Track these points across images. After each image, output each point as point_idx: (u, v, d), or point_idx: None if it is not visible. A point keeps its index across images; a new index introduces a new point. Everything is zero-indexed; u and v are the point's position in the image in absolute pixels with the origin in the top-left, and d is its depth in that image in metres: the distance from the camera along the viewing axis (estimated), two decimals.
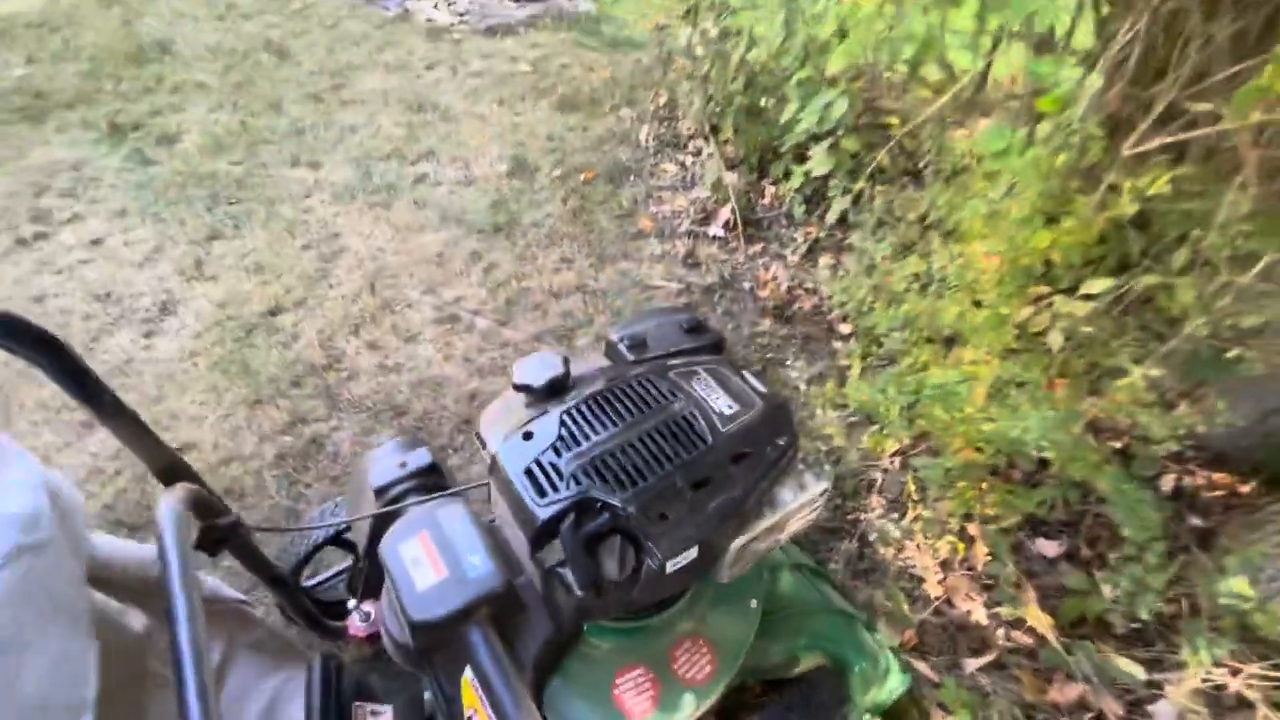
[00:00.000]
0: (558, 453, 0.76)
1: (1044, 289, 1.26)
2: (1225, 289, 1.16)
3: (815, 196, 2.49)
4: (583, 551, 0.71)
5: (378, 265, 2.08)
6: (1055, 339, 1.13)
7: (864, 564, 1.50)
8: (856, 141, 2.24)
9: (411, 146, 2.72)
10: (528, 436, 0.79)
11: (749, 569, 0.94)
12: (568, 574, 0.72)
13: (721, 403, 0.83)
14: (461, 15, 4.23)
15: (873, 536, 1.54)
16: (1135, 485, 1.12)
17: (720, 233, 2.45)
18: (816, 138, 2.40)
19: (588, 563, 0.71)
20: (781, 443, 0.85)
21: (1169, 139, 1.29)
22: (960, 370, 1.11)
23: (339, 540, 1.13)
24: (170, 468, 0.70)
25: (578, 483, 0.74)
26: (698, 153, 2.96)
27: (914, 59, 1.59)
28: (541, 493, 0.73)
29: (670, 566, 0.73)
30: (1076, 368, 1.36)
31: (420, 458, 0.98)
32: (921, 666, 1.32)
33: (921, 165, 1.63)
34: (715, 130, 2.84)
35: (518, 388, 0.86)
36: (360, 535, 1.00)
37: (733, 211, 2.45)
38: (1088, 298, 1.11)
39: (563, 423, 0.79)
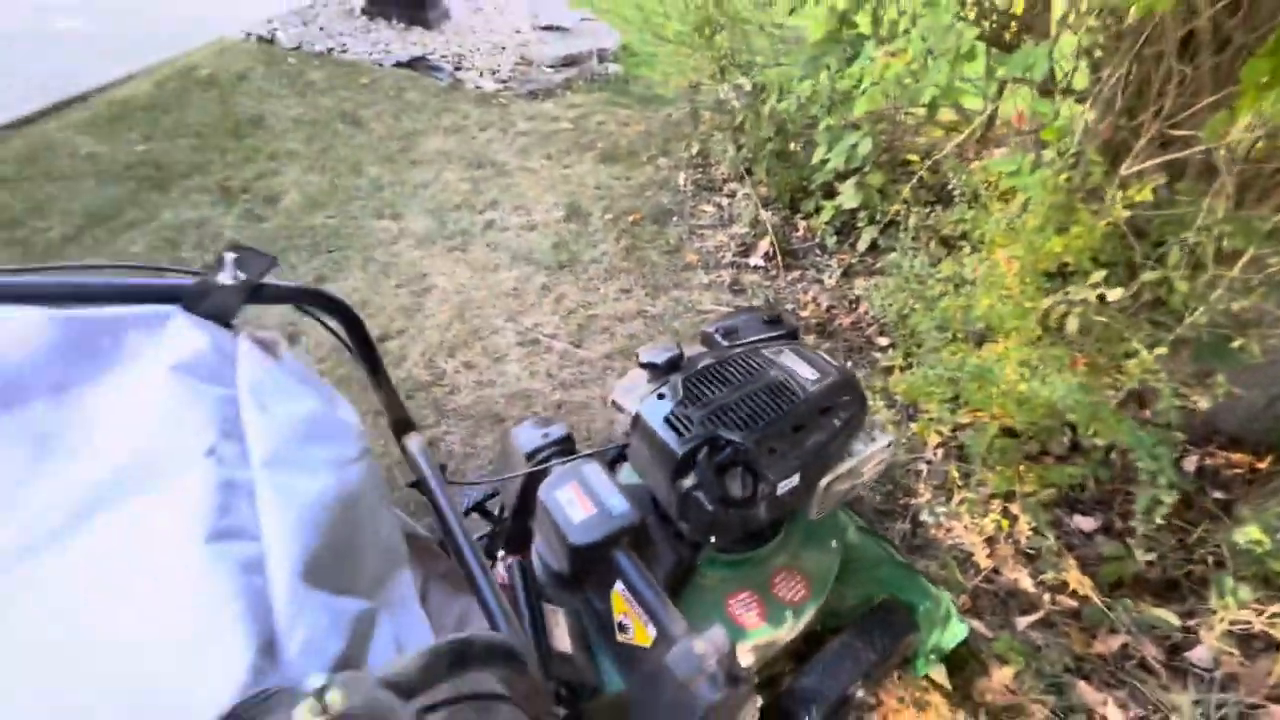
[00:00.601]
0: (686, 406, 0.99)
1: (1061, 291, 1.48)
2: (1216, 282, 1.37)
3: (845, 228, 2.75)
4: (714, 476, 0.92)
5: (463, 299, 2.36)
6: (1072, 324, 1.34)
7: (917, 540, 1.67)
8: (881, 176, 2.51)
9: (477, 198, 3.05)
10: (661, 397, 1.02)
11: (830, 512, 1.15)
12: (702, 495, 0.94)
13: (806, 371, 1.06)
14: (505, 82, 4.66)
15: (923, 517, 1.71)
16: (1150, 434, 1.29)
17: (760, 263, 2.70)
18: (842, 175, 2.68)
19: (718, 485, 0.92)
20: (854, 403, 1.07)
21: (1161, 159, 1.52)
22: (993, 352, 1.31)
23: (480, 509, 1.35)
24: (405, 420, 0.94)
25: (705, 427, 0.96)
26: (732, 194, 3.25)
27: (932, 103, 1.85)
28: (679, 435, 0.96)
29: (780, 489, 0.95)
30: (1097, 360, 1.56)
31: (558, 430, 1.21)
32: (977, 624, 1.48)
33: (945, 191, 1.87)
34: (749, 173, 3.14)
35: (643, 365, 1.10)
36: (509, 496, 1.22)
37: (771, 244, 2.71)
38: (1095, 286, 1.32)
39: (687, 386, 1.02)
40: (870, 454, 1.06)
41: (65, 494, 0.51)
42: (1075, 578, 1.54)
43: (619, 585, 1.00)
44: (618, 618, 1.00)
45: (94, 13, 4.56)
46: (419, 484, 0.90)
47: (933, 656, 1.29)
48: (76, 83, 3.48)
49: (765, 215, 2.85)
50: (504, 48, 5.08)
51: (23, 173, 2.74)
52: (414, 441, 0.91)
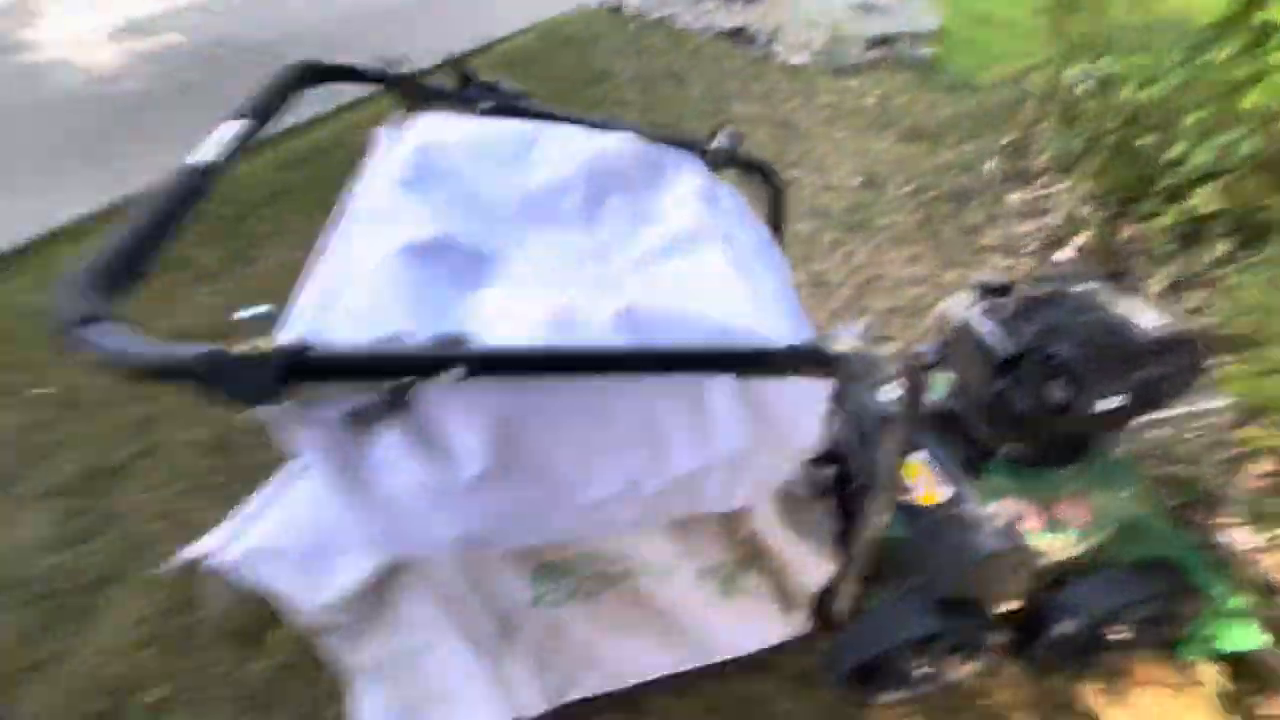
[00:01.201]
0: (1017, 320, 1.12)
1: None
2: None
3: (1186, 236, 2.45)
4: (1038, 378, 1.05)
5: None
6: None
7: (1211, 559, 1.56)
8: (1260, 182, 2.19)
9: (780, 157, 3.31)
10: (991, 310, 1.16)
11: (1132, 469, 1.19)
12: (1015, 395, 1.07)
13: (1149, 315, 1.11)
14: (814, 56, 4.81)
15: (1222, 538, 1.58)
16: None
17: (1070, 258, 2.54)
18: (1198, 180, 2.37)
19: (1040, 387, 1.05)
20: (1190, 358, 1.09)
21: None
22: None
23: None
24: None
25: (1034, 339, 1.08)
26: (1047, 186, 3.05)
27: None
28: (1007, 339, 1.09)
29: (1098, 406, 1.04)
30: None
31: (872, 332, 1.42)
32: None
33: None
34: (1075, 166, 2.92)
35: (977, 285, 1.24)
36: None
37: (1089, 240, 2.53)
38: None
39: (1021, 303, 1.14)
40: (1195, 410, 1.09)
41: (656, 240, 0.86)
42: None
43: (922, 454, 1.19)
44: (909, 481, 1.19)
45: None
46: None
47: (1206, 645, 1.25)
48: (487, 34, 4.48)
49: (1086, 211, 2.66)
50: (818, 24, 5.21)
51: None
52: None
